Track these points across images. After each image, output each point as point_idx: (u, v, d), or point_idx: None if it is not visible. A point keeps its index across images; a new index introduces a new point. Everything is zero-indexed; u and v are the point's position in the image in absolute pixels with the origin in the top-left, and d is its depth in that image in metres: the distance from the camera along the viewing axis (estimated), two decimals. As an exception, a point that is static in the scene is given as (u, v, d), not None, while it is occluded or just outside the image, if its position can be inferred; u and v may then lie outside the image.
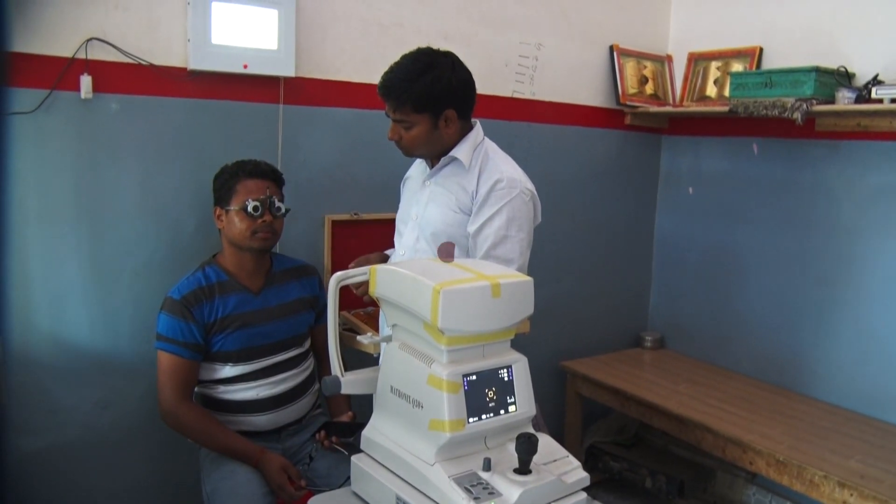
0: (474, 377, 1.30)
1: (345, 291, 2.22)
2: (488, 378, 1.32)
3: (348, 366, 1.48)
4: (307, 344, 2.00)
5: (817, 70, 2.19)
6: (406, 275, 1.31)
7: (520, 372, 1.37)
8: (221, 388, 1.86)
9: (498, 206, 1.68)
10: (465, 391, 1.28)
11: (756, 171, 2.65)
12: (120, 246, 1.94)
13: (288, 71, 2.05)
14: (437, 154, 1.78)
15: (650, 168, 3.00)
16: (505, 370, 1.35)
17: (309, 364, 2.00)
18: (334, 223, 2.24)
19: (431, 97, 1.67)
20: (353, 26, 2.22)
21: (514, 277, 1.34)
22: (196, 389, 1.87)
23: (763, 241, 2.64)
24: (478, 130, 1.80)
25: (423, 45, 2.32)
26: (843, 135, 2.34)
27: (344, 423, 1.89)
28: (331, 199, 2.24)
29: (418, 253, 1.81)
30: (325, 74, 2.19)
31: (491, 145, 1.81)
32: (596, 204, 2.87)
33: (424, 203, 1.80)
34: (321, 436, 1.84)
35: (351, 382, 1.46)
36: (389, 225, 2.32)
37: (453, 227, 1.74)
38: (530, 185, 1.75)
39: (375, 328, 2.05)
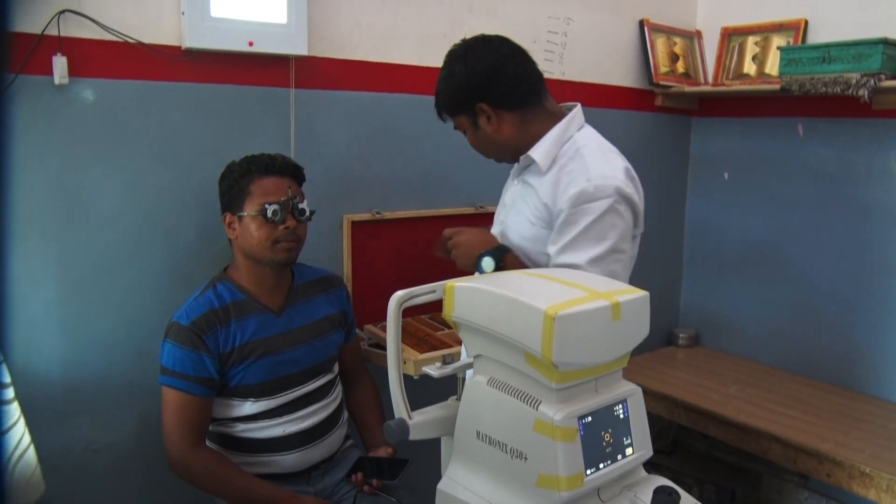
0: (589, 419, 1.05)
1: (365, 291, 1.97)
2: (604, 418, 1.08)
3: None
4: (336, 368, 1.72)
5: (885, 42, 1.98)
6: (501, 295, 1.05)
7: (635, 406, 1.13)
8: (241, 426, 1.57)
9: (584, 225, 1.33)
10: (581, 437, 1.03)
11: (802, 153, 2.45)
12: (106, 260, 1.63)
13: (300, 49, 1.75)
14: (511, 155, 1.49)
15: (680, 152, 2.78)
16: (620, 406, 1.11)
17: (339, 391, 1.72)
18: (354, 224, 1.96)
19: (452, 96, 1.45)
20: (369, -3, 1.93)
21: (632, 293, 1.09)
22: (209, 427, 1.57)
23: (811, 229, 2.44)
24: (568, 121, 1.45)
25: (445, 18, 2.08)
26: (904, 113, 2.16)
27: (383, 460, 1.63)
28: (349, 196, 1.96)
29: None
30: (339, 53, 1.89)
31: (586, 136, 1.45)
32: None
33: (509, 206, 1.52)
34: (359, 477, 1.57)
35: (421, 426, 1.20)
36: (415, 224, 2.08)
37: (530, 241, 1.42)
38: (629, 187, 1.37)
39: (416, 347, 1.78)
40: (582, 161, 1.38)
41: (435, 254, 1.45)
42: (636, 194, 1.40)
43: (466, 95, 1.43)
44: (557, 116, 1.46)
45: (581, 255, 1.33)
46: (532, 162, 1.45)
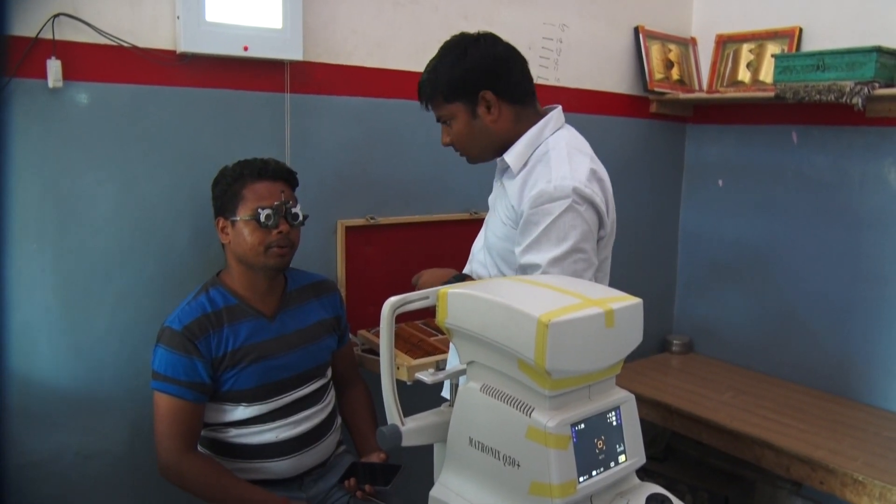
0: (582, 426, 1.05)
1: (358, 297, 1.97)
2: (597, 425, 1.07)
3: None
4: (330, 373, 1.72)
5: (879, 50, 2.00)
6: (495, 302, 1.05)
7: (628, 413, 1.12)
8: (233, 431, 1.56)
9: (544, 225, 1.35)
10: (574, 444, 1.03)
11: (796, 161, 2.46)
12: (100, 265, 1.62)
13: (295, 54, 1.75)
14: (497, 150, 1.49)
15: (674, 159, 2.79)
16: (613, 413, 1.10)
17: (332, 396, 1.72)
18: (348, 229, 1.96)
19: (458, 79, 1.43)
20: (364, 3, 1.93)
21: (625, 300, 1.09)
22: (201, 433, 1.56)
23: (805, 237, 2.45)
24: (544, 123, 1.47)
25: (441, 24, 2.08)
26: (898, 121, 2.17)
27: (376, 466, 1.62)
28: (343, 201, 1.96)
29: (477, 264, 1.57)
30: (334, 59, 1.90)
31: (557, 139, 1.46)
32: (618, 199, 2.59)
33: (492, 208, 1.57)
34: (351, 483, 1.56)
35: (413, 432, 1.19)
36: (409, 230, 2.08)
37: (504, 241, 1.47)
38: (590, 188, 1.38)
39: (410, 353, 1.78)
40: (547, 164, 1.41)
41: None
42: (598, 195, 1.40)
43: (475, 80, 1.42)
44: (538, 116, 1.49)
45: (542, 255, 1.35)
46: (507, 166, 1.48)
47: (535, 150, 1.46)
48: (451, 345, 1.57)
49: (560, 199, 1.35)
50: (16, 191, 1.51)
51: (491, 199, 1.60)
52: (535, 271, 1.36)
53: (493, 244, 1.51)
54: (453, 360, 1.57)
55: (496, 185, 1.57)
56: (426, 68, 1.49)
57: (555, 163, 1.40)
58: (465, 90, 1.43)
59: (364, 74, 1.95)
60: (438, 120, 1.51)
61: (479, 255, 1.57)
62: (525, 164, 1.45)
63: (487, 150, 1.50)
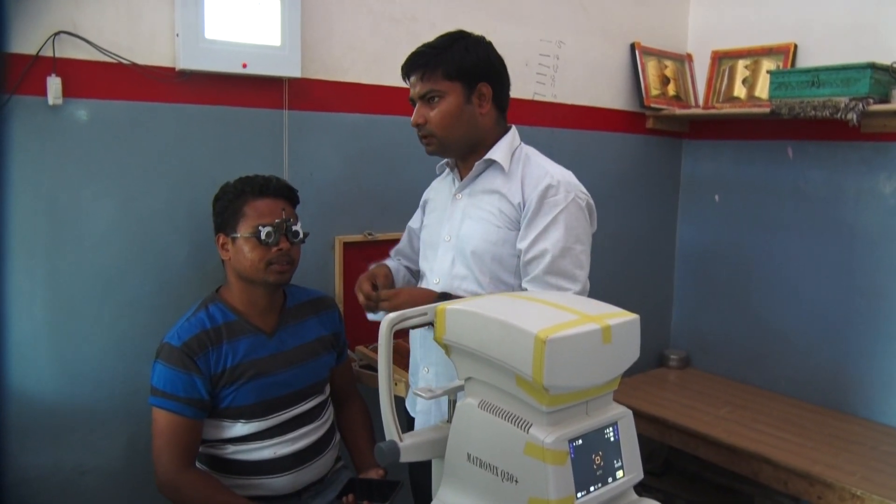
0: (580, 442, 1.05)
1: (356, 313, 1.96)
2: (594, 441, 1.07)
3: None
4: (328, 390, 1.72)
5: (873, 67, 2.02)
6: (493, 318, 1.05)
7: (626, 429, 1.12)
8: (231, 447, 1.56)
9: (553, 215, 1.44)
10: (572, 460, 1.03)
11: (791, 176, 2.48)
12: (98, 281, 1.63)
13: (293, 71, 1.77)
14: (468, 146, 1.54)
15: (671, 175, 2.81)
16: (611, 429, 1.10)
17: (330, 413, 1.72)
18: (346, 245, 1.96)
19: (465, 63, 1.49)
20: (362, 21, 1.95)
21: (622, 316, 1.09)
22: (199, 449, 1.56)
23: (801, 251, 2.47)
24: (514, 133, 1.59)
25: (438, 42, 2.10)
26: (893, 136, 2.18)
27: (374, 482, 1.62)
28: (341, 217, 1.97)
29: (456, 279, 1.53)
30: (331, 75, 1.91)
31: (530, 149, 1.59)
32: (615, 214, 2.65)
33: (459, 220, 1.55)
34: (349, 499, 1.55)
35: (412, 448, 1.19)
36: (407, 245, 2.07)
37: (497, 245, 1.49)
38: (584, 189, 1.53)
39: (408, 369, 1.78)
40: (541, 165, 1.53)
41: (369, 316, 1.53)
42: (590, 198, 1.53)
43: (482, 70, 1.50)
44: (507, 128, 1.59)
45: (551, 243, 1.43)
46: (486, 168, 1.54)
47: (513, 153, 1.55)
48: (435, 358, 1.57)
49: (566, 193, 1.47)
50: (14, 207, 1.51)
51: (455, 211, 1.56)
52: (545, 259, 1.43)
53: (483, 251, 1.50)
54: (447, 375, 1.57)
55: (460, 197, 1.57)
56: (427, 45, 1.53)
57: (546, 165, 1.53)
58: (470, 75, 1.49)
59: (361, 91, 1.96)
60: (423, 96, 1.50)
61: (456, 270, 1.53)
62: (510, 165, 1.53)
63: (464, 141, 1.52)
